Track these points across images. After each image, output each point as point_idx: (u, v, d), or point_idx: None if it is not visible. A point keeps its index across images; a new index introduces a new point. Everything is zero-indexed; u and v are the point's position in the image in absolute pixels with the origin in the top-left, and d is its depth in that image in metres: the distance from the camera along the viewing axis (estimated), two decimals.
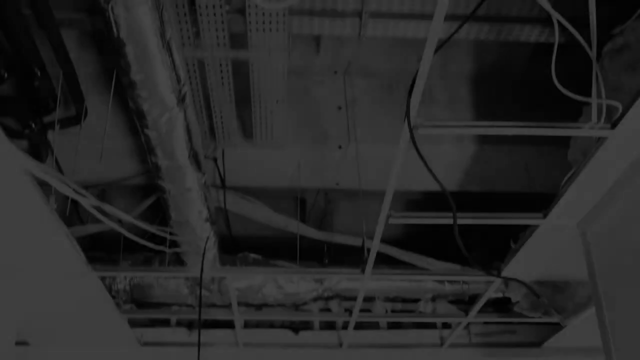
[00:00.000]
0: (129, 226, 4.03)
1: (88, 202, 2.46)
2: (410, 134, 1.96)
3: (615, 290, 2.54)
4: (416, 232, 4.41)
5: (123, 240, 4.12)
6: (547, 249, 2.96)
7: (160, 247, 3.27)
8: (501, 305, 4.18)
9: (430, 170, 2.01)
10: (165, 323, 4.31)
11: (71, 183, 2.36)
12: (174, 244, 3.37)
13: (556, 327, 4.08)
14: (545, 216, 2.65)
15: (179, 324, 4.27)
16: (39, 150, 3.19)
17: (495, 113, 3.54)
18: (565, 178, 2.51)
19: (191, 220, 3.20)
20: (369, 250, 3.07)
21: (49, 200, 2.53)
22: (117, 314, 3.70)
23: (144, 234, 4.24)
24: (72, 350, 4.20)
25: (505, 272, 3.18)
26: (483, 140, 3.52)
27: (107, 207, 2.57)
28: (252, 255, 3.95)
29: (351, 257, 3.69)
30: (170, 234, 3.24)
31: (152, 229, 3.13)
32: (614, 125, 2.12)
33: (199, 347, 3.93)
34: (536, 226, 2.77)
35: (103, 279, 3.69)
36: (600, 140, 2.22)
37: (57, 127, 2.97)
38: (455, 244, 4.07)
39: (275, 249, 4.31)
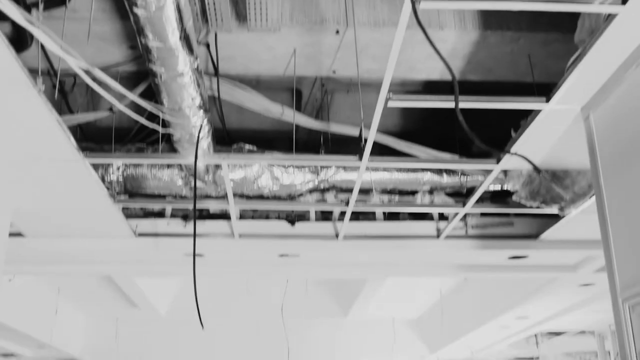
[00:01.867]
0: (120, 116, 4.04)
1: (77, 63, 2.42)
2: (412, 7, 1.92)
3: (617, 178, 2.56)
4: (414, 127, 4.41)
5: (114, 131, 4.14)
6: (549, 136, 2.98)
7: (154, 125, 3.27)
8: (499, 198, 4.24)
9: (433, 46, 1.98)
10: (160, 215, 4.37)
11: (58, 39, 2.32)
12: (166, 126, 3.36)
13: (553, 220, 4.15)
14: (548, 100, 2.64)
15: (174, 215, 4.33)
16: (23, 35, 3.13)
17: None
18: (571, 60, 2.48)
19: (184, 107, 3.19)
20: (366, 139, 3.08)
21: (35, 81, 2.50)
22: (110, 204, 3.74)
23: (135, 126, 4.26)
24: (67, 241, 4.28)
25: (505, 160, 3.20)
26: (486, 25, 3.45)
27: (97, 72, 2.53)
28: (247, 146, 3.96)
29: (348, 149, 3.70)
30: (162, 112, 3.22)
31: (148, 105, 3.11)
32: (624, 1, 2.07)
33: (194, 237, 4.01)
34: (538, 112, 2.77)
35: (95, 169, 3.71)
36: (609, 18, 2.18)
37: (41, 6, 2.90)
38: (454, 141, 4.09)
39: (270, 141, 4.33)
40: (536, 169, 3.21)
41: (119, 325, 8.82)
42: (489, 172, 3.46)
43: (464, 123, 2.45)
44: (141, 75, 3.71)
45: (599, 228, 2.63)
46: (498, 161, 3.24)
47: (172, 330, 9.12)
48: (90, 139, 4.22)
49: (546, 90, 2.73)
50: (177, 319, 8.87)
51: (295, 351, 8.74)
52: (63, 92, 4.08)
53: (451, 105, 2.49)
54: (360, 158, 3.22)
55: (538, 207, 3.70)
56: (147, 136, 4.12)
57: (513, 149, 3.11)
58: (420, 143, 3.85)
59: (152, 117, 3.41)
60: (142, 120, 3.13)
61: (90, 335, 8.98)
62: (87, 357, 9.19)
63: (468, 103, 2.63)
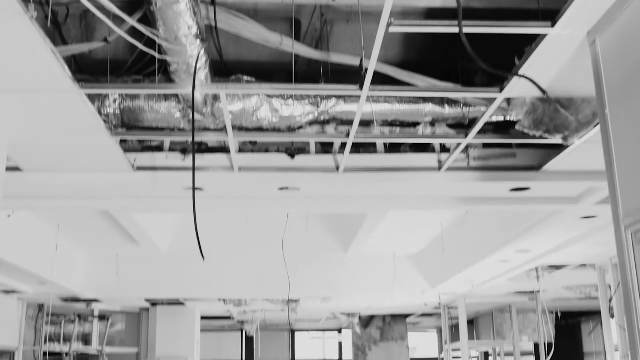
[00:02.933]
0: (116, 48, 4.00)
1: None
2: None
3: (622, 105, 2.56)
4: (416, 58, 4.37)
5: (110, 64, 4.10)
6: (554, 62, 2.96)
7: (150, 51, 3.24)
8: (502, 130, 4.24)
9: None
10: (159, 149, 4.38)
11: None
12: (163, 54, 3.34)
13: (556, 150, 4.17)
14: (553, 25, 2.61)
15: (173, 149, 4.34)
16: None
17: None
18: None
19: (180, 35, 3.15)
20: (366, 69, 3.06)
21: (27, 8, 2.47)
22: (108, 136, 3.75)
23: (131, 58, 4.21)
24: (65, 175, 4.30)
25: (509, 88, 3.19)
26: None
27: None
28: (246, 78, 3.93)
29: (349, 81, 3.68)
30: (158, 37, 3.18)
31: (145, 30, 3.09)
32: None
33: (193, 170, 4.03)
34: (543, 37, 2.74)
35: (92, 101, 3.69)
36: None
37: None
38: (457, 73, 4.06)
39: (269, 73, 4.30)
40: (542, 91, 3.19)
41: (119, 262, 8.95)
42: (492, 101, 3.45)
43: (467, 45, 2.43)
44: (135, 4, 3.65)
45: (603, 155, 2.65)
46: (502, 89, 3.23)
47: (172, 267, 9.26)
48: (86, 71, 4.19)
49: (551, 16, 2.70)
50: (177, 255, 9.00)
51: (296, 287, 8.90)
52: (56, 23, 4.03)
53: (455, 30, 2.46)
54: (361, 87, 3.20)
55: (541, 137, 3.70)
56: (143, 68, 4.09)
57: (515, 81, 3.10)
58: (422, 75, 3.82)
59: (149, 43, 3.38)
60: (139, 45, 3.10)
61: (91, 272, 9.13)
62: (89, 293, 9.37)
63: (472, 28, 2.60)
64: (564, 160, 4.17)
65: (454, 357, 12.43)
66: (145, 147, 4.38)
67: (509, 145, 4.40)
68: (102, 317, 11.54)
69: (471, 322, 14.66)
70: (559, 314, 12.21)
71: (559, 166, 4.29)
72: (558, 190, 4.82)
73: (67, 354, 10.76)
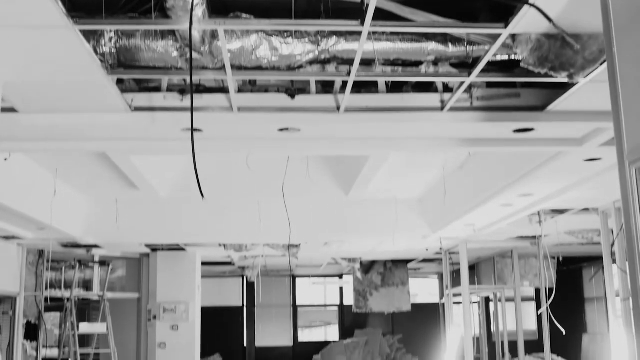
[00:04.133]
0: None
1: None
2: None
3: (630, 42, 2.53)
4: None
5: (104, 2, 4.04)
6: None
7: None
8: (506, 69, 4.20)
9: None
10: (156, 90, 4.35)
11: None
12: None
13: (560, 90, 4.14)
14: None
15: (170, 89, 4.32)
16: None
17: None
18: None
19: None
20: (368, 4, 3.02)
21: None
22: (104, 75, 3.72)
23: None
24: (61, 116, 4.29)
25: (515, 22, 3.15)
26: None
27: None
28: (244, 15, 3.88)
29: (350, 18, 3.63)
30: None
31: None
32: None
33: (191, 111, 4.03)
34: None
35: (87, 40, 3.65)
36: None
37: None
38: (461, 11, 3.99)
39: (267, 11, 4.24)
40: (550, 20, 3.14)
41: (119, 207, 9.00)
42: (496, 37, 3.41)
43: None
44: None
45: (610, 91, 2.63)
46: (506, 25, 3.19)
47: (172, 212, 9.32)
48: (80, 9, 4.13)
49: None
50: (177, 200, 9.05)
51: (297, 231, 8.97)
52: None
53: None
54: (362, 23, 3.17)
55: (546, 75, 3.68)
56: (138, 6, 4.04)
57: (519, 17, 3.06)
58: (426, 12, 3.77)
59: None
60: None
61: (90, 217, 9.19)
62: (88, 239, 9.46)
63: None
64: (568, 100, 4.15)
65: (454, 303, 12.62)
66: (143, 88, 4.36)
67: (513, 85, 4.37)
68: (103, 263, 11.68)
69: (472, 268, 14.82)
70: (561, 260, 12.35)
71: (564, 106, 4.27)
72: (562, 132, 4.81)
73: (68, 300, 10.92)
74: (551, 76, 3.74)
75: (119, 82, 4.15)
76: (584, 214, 8.54)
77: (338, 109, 4.27)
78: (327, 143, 4.97)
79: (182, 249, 11.71)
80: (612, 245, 7.68)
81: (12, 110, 4.27)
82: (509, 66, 4.12)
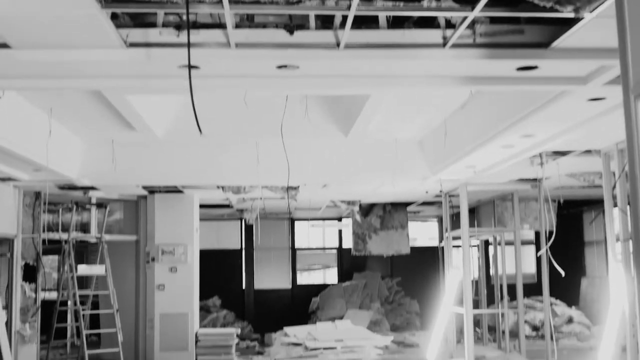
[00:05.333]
0: None
1: None
2: None
3: None
4: None
5: None
6: None
7: None
8: (510, 4, 4.15)
9: None
10: (152, 25, 4.30)
11: None
12: None
13: (565, 26, 4.10)
14: None
15: (166, 25, 4.26)
16: None
17: None
18: None
19: None
20: None
21: None
22: (98, 9, 3.67)
23: None
24: (55, 52, 4.25)
25: None
26: None
27: None
28: None
29: None
30: None
31: None
32: None
33: (188, 47, 4.00)
34: None
35: None
36: None
37: None
38: None
39: None
40: None
41: (115, 148, 9.01)
42: None
43: None
44: None
45: (616, 23, 2.61)
46: None
47: (169, 153, 9.34)
48: None
49: None
50: (174, 141, 9.05)
51: (296, 173, 9.00)
52: None
53: None
54: None
55: (552, 9, 3.63)
56: None
57: None
58: None
59: None
60: None
61: (86, 158, 9.21)
62: (85, 180, 9.50)
63: None
64: (573, 36, 4.11)
65: (454, 246, 12.76)
66: (138, 24, 4.30)
67: (517, 21, 4.32)
68: (100, 205, 11.75)
69: (472, 211, 14.93)
70: (561, 202, 12.43)
71: (569, 43, 4.23)
72: (566, 70, 4.78)
73: (65, 242, 11.03)
74: (556, 11, 3.69)
75: (114, 17, 4.09)
76: (585, 155, 8.56)
77: (338, 45, 4.23)
78: (326, 81, 4.94)
79: (180, 191, 11.77)
80: (614, 187, 7.72)
81: (4, 46, 4.23)
82: (513, 1, 4.07)
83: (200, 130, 3.75)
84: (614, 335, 7.62)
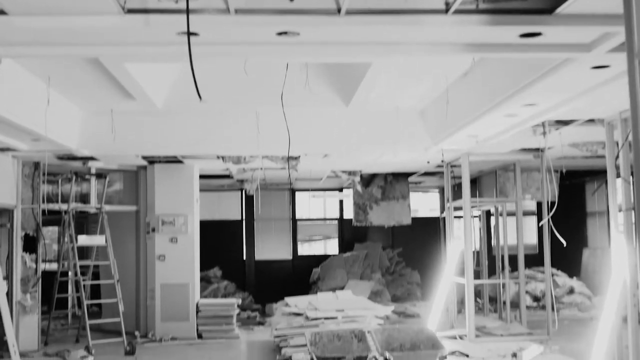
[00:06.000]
0: None
1: None
2: None
3: None
4: None
5: None
6: None
7: None
8: None
9: None
10: None
11: None
12: None
13: None
14: None
15: None
16: None
17: None
18: None
19: None
20: None
21: None
22: None
23: None
24: (53, 18, 4.23)
25: None
26: None
27: None
28: None
29: None
30: None
31: None
32: None
33: (187, 13, 3.98)
34: None
35: None
36: None
37: None
38: None
39: None
40: None
41: (114, 118, 8.99)
42: None
43: None
44: None
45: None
46: None
47: (169, 123, 9.32)
48: None
49: None
50: (174, 111, 9.03)
51: (296, 143, 8.99)
52: None
53: None
54: None
55: None
56: None
57: None
58: None
59: None
60: None
61: (85, 128, 9.20)
62: (84, 150, 9.50)
63: None
64: (578, 2, 4.08)
65: (455, 217, 12.79)
66: None
67: None
68: (100, 176, 11.76)
69: (474, 182, 14.94)
70: (564, 173, 12.43)
71: (573, 8, 4.20)
72: (570, 36, 4.76)
73: (65, 212, 11.06)
74: None
75: None
76: (588, 125, 8.54)
77: (339, 11, 4.20)
78: (327, 48, 4.92)
79: (180, 161, 11.77)
80: (617, 157, 7.71)
81: (1, 12, 4.21)
82: None
83: (200, 96, 3.73)
84: (615, 305, 7.67)
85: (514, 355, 8.82)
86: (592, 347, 7.85)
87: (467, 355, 9.32)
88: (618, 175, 7.71)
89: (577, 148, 10.61)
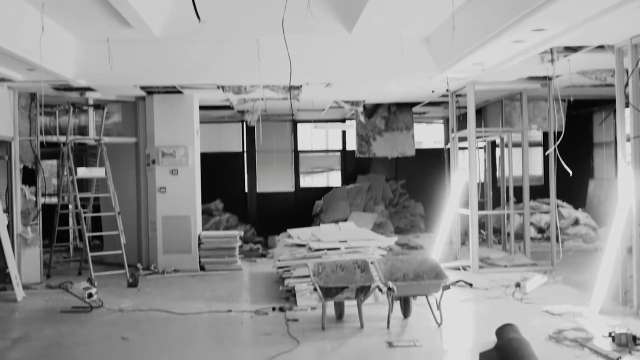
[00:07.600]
0: None
1: None
2: None
3: None
4: None
5: None
6: None
7: None
8: None
9: None
10: None
11: None
12: None
13: None
14: None
15: None
16: None
17: None
18: None
19: None
20: None
21: None
22: None
23: None
24: None
25: None
26: None
27: None
28: None
29: None
30: None
31: None
32: None
33: None
34: None
35: None
36: None
37: None
38: None
39: None
40: None
41: (111, 47, 8.89)
42: None
43: None
44: None
45: None
46: None
47: (168, 52, 9.22)
48: None
49: None
50: (172, 39, 8.92)
51: (298, 72, 8.93)
52: None
53: None
54: None
55: None
56: None
57: None
58: None
59: None
60: None
61: (82, 57, 9.11)
62: (81, 80, 9.44)
63: None
64: None
65: (460, 148, 12.79)
66: None
67: None
68: (97, 107, 11.71)
69: (479, 112, 14.88)
70: (571, 102, 12.36)
71: None
72: None
73: (64, 144, 11.06)
74: None
75: None
76: (598, 52, 8.46)
77: None
78: None
79: (179, 92, 11.71)
80: (626, 85, 7.66)
81: None
82: None
83: (198, 17, 3.68)
84: (620, 235, 7.75)
85: (517, 285, 8.96)
86: (595, 278, 7.97)
87: (471, 285, 9.47)
88: (627, 105, 7.67)
89: (585, 76, 10.53)
